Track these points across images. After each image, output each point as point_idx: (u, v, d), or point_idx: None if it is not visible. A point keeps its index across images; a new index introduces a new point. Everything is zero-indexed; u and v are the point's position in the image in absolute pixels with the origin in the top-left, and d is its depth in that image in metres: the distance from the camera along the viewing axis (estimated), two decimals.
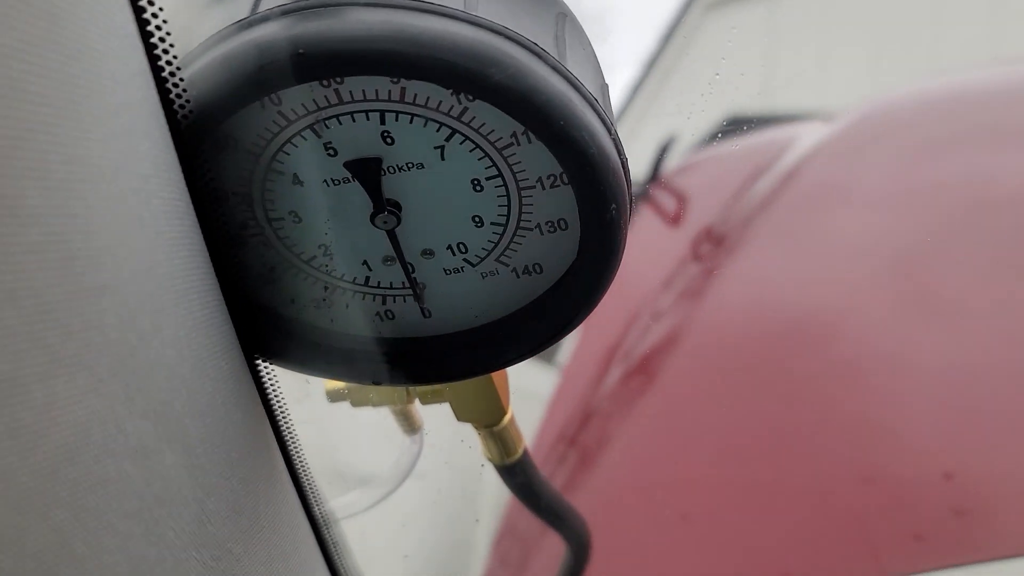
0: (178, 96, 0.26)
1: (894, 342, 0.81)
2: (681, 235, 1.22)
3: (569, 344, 1.17)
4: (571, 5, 0.33)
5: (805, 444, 0.78)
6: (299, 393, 0.36)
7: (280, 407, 0.35)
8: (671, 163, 1.39)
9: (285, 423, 0.36)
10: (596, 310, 0.34)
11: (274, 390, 0.34)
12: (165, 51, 0.25)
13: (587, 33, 0.33)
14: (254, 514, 0.29)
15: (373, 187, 0.31)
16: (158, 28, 0.24)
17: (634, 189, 0.32)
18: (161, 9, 0.24)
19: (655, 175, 1.33)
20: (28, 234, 0.17)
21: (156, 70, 0.24)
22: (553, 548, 0.55)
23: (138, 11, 0.22)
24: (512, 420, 0.43)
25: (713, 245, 1.10)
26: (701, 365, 0.92)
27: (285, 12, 0.26)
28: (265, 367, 0.33)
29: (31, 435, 0.18)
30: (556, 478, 0.91)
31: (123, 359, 0.20)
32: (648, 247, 1.22)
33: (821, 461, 0.76)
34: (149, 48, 0.23)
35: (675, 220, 1.24)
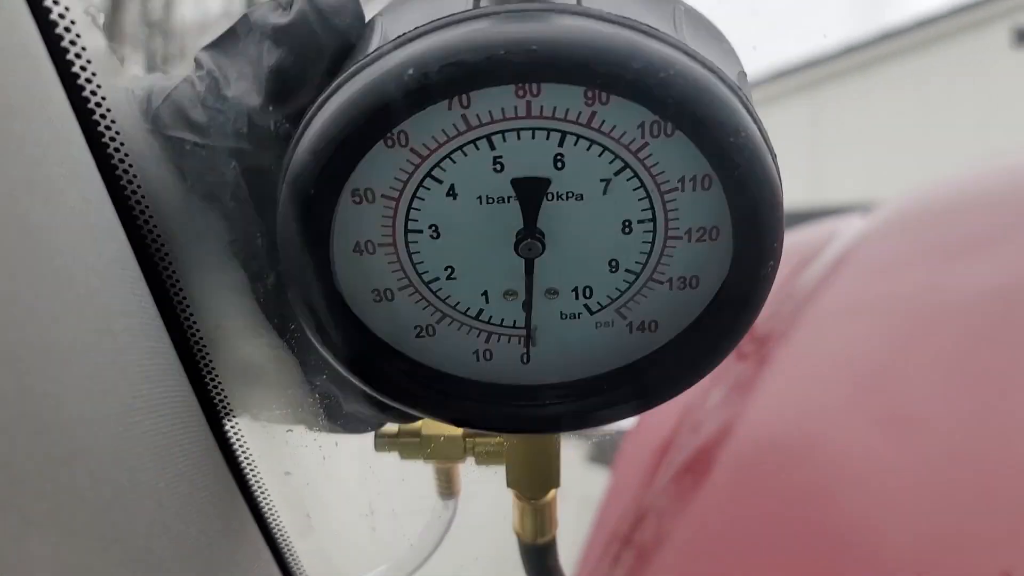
0: None
1: (949, 444, 0.79)
2: None
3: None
4: None
5: (858, 541, 0.76)
6: (301, 527, 0.38)
7: (283, 540, 0.37)
8: None
9: (291, 557, 0.38)
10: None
11: (275, 522, 0.37)
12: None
13: None
14: None
15: (533, 208, 0.30)
16: None
17: None
18: None
19: None
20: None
21: None
22: None
23: None
24: (555, 498, 0.41)
25: (757, 344, 1.10)
26: (748, 464, 0.91)
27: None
28: (263, 499, 0.36)
29: None
30: None
31: (96, 514, 0.23)
32: None
33: (875, 558, 0.73)
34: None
35: None
